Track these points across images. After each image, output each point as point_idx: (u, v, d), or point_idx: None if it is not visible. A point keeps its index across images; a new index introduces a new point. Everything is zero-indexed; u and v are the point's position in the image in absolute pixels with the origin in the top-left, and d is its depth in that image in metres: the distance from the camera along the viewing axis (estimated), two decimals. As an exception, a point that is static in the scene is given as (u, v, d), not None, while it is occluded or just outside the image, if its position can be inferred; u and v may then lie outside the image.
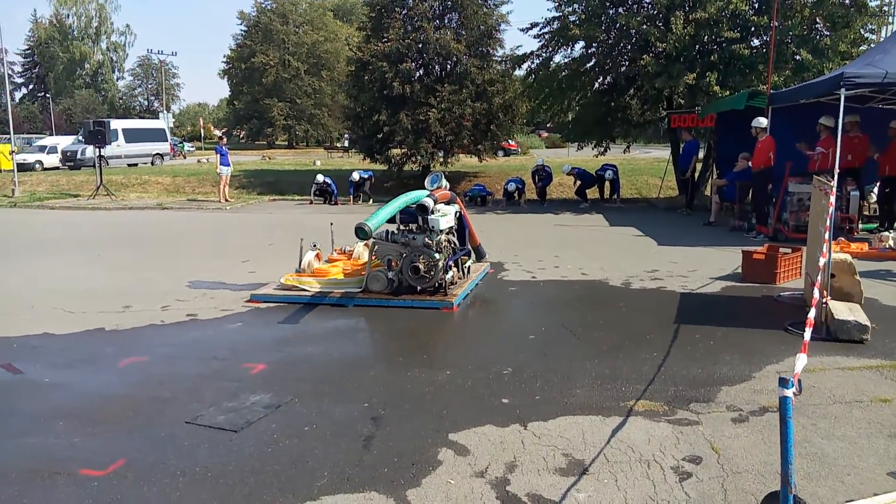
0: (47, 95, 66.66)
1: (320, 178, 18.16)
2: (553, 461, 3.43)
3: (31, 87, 72.43)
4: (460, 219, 7.67)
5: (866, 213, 11.65)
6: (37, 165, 30.75)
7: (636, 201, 17.73)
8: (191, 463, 3.47)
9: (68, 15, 71.36)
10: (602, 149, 18.56)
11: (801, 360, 1.93)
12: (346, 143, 46.78)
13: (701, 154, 16.01)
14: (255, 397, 4.34)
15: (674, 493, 3.10)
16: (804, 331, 5.31)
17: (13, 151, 22.52)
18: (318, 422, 3.96)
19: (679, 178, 16.03)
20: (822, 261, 3.95)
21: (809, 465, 3.35)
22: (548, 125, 27.65)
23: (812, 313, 2.67)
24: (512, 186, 17.07)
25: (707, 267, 8.30)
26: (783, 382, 1.71)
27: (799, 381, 1.80)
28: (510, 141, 34.76)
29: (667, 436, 3.69)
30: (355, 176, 17.87)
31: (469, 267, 7.68)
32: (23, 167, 27.92)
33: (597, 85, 17.62)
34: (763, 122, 10.73)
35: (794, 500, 2.41)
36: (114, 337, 5.85)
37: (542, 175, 17.30)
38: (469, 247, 7.85)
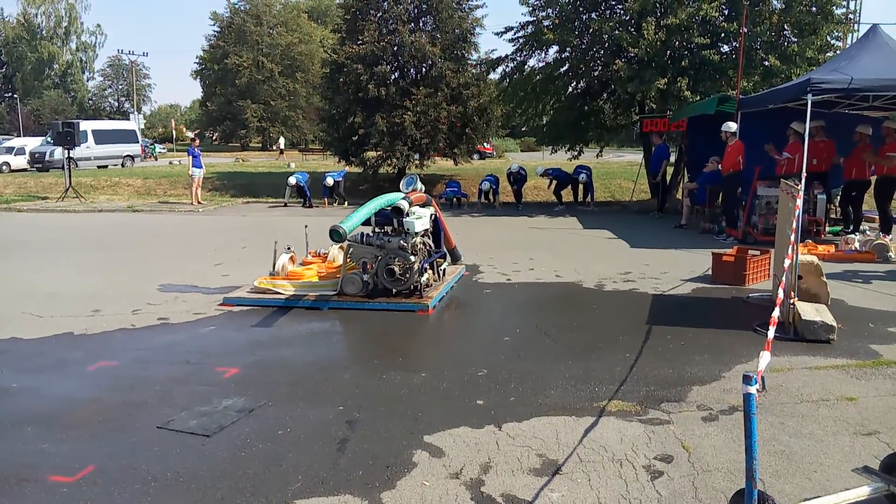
0: (15, 96, 65.20)
1: (293, 179, 17.52)
2: (527, 461, 3.45)
3: (-3, 87, 70.81)
4: (436, 221, 7.69)
5: (833, 216, 11.92)
6: (4, 167, 30.07)
7: (609, 204, 17.91)
8: (162, 468, 3.42)
9: (37, 14, 69.94)
10: (576, 152, 18.73)
11: (765, 357, 2.00)
12: (282, 146, 46.65)
13: (672, 158, 16.24)
14: (228, 401, 4.30)
15: (645, 492, 3.14)
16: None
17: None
18: (291, 425, 3.94)
19: (650, 181, 16.24)
20: (786, 262, 4.04)
21: (777, 463, 3.42)
22: (523, 129, 27.79)
23: (776, 312, 2.74)
24: (486, 185, 17.05)
25: (678, 269, 8.42)
26: (746, 380, 1.77)
27: (762, 378, 1.85)
28: (485, 144, 34.96)
29: (639, 435, 3.74)
30: (329, 181, 17.57)
31: (444, 269, 7.69)
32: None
33: (570, 89, 17.80)
34: (732, 126, 10.93)
35: (759, 496, 2.47)
36: (83, 341, 5.75)
37: (518, 177, 17.37)
38: (444, 249, 7.87)
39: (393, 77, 19.51)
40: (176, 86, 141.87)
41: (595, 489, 3.17)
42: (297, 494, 3.16)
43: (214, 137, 61.01)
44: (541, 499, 3.10)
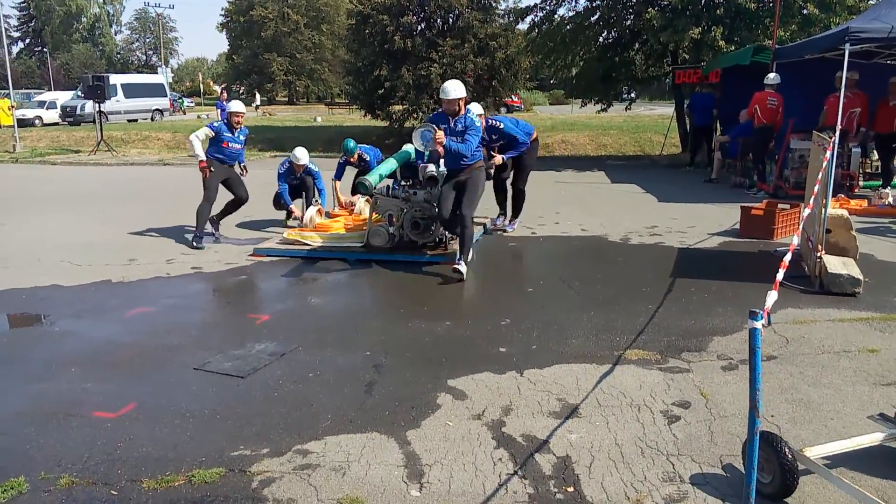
0: (44, 50, 65.75)
1: (302, 155, 8.60)
2: (547, 405, 3.56)
3: (27, 41, 71.30)
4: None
5: (868, 170, 11.62)
6: (36, 121, 30.56)
7: (639, 158, 17.67)
8: (200, 406, 3.61)
9: (63, -34, 69.89)
10: (605, 106, 18.40)
11: (772, 296, 2.07)
12: (258, 103, 45.75)
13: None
14: (261, 346, 4.47)
15: (662, 435, 3.23)
16: (798, 284, 5.44)
17: (12, 107, 22.42)
18: (321, 368, 4.10)
19: (693, 134, 15.41)
20: (806, 211, 4.03)
21: (795, 410, 3.48)
22: (551, 81, 27.33)
23: (787, 257, 2.79)
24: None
25: (706, 223, 8.37)
26: (753, 315, 1.84)
27: (768, 315, 1.92)
28: (513, 97, 34.45)
29: (658, 382, 3.82)
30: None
31: (469, 222, 7.71)
32: (22, 123, 27.75)
33: (601, 39, 17.37)
34: (770, 77, 10.60)
35: (766, 436, 2.53)
36: (121, 288, 5.98)
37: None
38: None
39: (419, 28, 19.25)
40: (202, 39, 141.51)
41: (613, 431, 3.27)
42: (327, 431, 3.32)
43: (241, 91, 61.08)
44: (559, 439, 3.21)
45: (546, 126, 22.88)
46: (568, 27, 17.06)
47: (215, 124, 7.75)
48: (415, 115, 19.62)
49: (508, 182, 8.07)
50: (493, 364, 4.12)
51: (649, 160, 17.06)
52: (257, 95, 49.02)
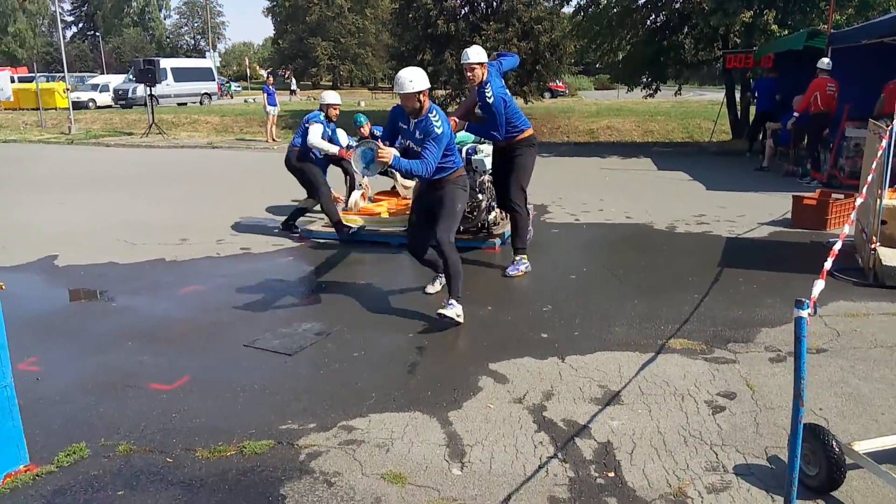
0: (97, 34, 67.50)
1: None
2: (589, 391, 3.58)
3: (80, 25, 73.33)
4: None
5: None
6: (90, 104, 31.47)
7: (687, 145, 17.30)
8: (250, 381, 3.74)
9: (115, -49, 71.41)
10: (651, 90, 18.04)
11: (819, 285, 2.04)
12: (293, 87, 43.49)
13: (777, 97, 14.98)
14: (307, 325, 4.58)
15: (706, 425, 3.22)
16: (851, 276, 5.30)
17: (67, 90, 23.15)
18: (365, 348, 4.19)
19: (756, 119, 14.85)
20: (859, 200, 3.92)
21: (844, 404, 3.41)
22: (597, 65, 26.87)
23: (837, 245, 2.76)
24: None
25: (756, 212, 8.18)
26: (799, 304, 1.83)
27: (815, 304, 1.90)
28: (557, 82, 34.05)
29: (703, 372, 3.79)
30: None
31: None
32: (77, 105, 28.66)
33: (649, 23, 17.02)
34: (824, 62, 10.26)
35: (811, 427, 2.50)
36: (174, 267, 6.19)
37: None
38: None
39: (463, 12, 19.13)
40: (248, 23, 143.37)
41: (655, 419, 3.27)
42: (372, 409, 3.40)
43: (287, 76, 61.83)
44: (601, 426, 3.22)
45: (591, 111, 22.57)
46: (614, 10, 16.73)
47: (322, 117, 7.07)
48: (458, 101, 19.57)
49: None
50: (534, 349, 4.14)
51: (698, 147, 16.67)
52: (293, 81, 49.31)
